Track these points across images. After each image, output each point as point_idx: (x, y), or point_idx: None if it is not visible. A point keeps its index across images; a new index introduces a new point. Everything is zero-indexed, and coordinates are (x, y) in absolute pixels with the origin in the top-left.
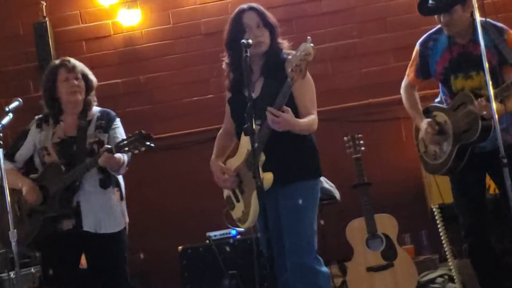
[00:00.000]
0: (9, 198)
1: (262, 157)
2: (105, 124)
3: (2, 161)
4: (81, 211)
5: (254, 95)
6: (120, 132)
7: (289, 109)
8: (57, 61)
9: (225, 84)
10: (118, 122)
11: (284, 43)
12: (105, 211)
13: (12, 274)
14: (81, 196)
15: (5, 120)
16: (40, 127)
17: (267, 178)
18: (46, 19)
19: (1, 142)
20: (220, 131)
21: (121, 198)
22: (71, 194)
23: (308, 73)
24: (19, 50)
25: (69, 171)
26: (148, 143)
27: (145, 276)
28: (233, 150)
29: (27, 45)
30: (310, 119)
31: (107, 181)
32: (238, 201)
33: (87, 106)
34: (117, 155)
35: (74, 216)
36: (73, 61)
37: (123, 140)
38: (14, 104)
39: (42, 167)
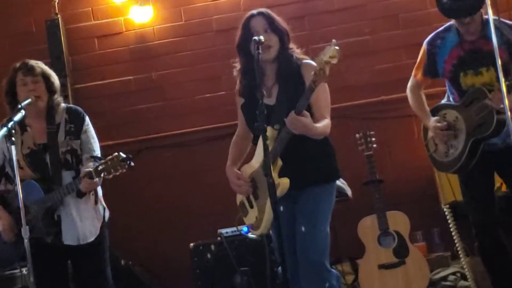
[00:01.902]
0: (20, 195)
1: (279, 162)
2: (75, 128)
3: (14, 157)
4: (61, 226)
5: (270, 102)
6: (91, 134)
7: (308, 114)
8: (17, 64)
9: (236, 90)
10: (87, 122)
11: (295, 49)
12: (83, 221)
13: (24, 270)
14: (61, 210)
15: (18, 116)
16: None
17: (283, 183)
18: (58, 16)
19: (14, 139)
20: (234, 137)
21: (96, 202)
22: (52, 212)
23: None
24: (31, 47)
25: (47, 188)
26: (128, 163)
27: (156, 273)
28: (249, 154)
29: (39, 42)
30: (325, 124)
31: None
32: (252, 207)
33: (52, 110)
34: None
35: (55, 231)
36: (31, 63)
37: (101, 164)
38: (27, 101)
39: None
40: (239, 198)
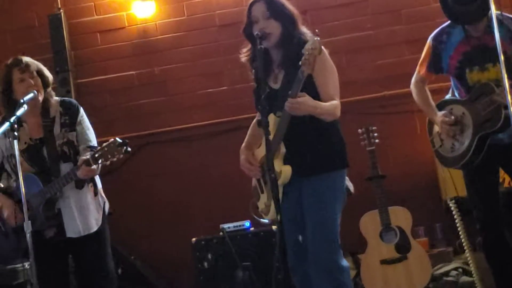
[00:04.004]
0: (23, 190)
1: (282, 149)
2: (70, 120)
3: (17, 152)
4: (62, 218)
5: (276, 86)
6: (86, 125)
7: (305, 93)
8: (9, 61)
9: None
10: (81, 113)
11: (307, 33)
12: (83, 212)
13: (26, 265)
14: (61, 203)
15: (20, 111)
16: (4, 133)
17: (285, 171)
18: (61, 10)
19: (16, 134)
20: (254, 119)
21: (95, 194)
22: (52, 204)
23: (330, 60)
24: (34, 42)
25: (46, 181)
26: (124, 149)
27: (158, 268)
28: None
29: (42, 37)
30: (333, 103)
31: (82, 181)
32: (262, 192)
33: (47, 103)
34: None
35: (56, 224)
36: (26, 59)
37: (98, 150)
38: (29, 95)
39: (15, 175)
40: (253, 182)
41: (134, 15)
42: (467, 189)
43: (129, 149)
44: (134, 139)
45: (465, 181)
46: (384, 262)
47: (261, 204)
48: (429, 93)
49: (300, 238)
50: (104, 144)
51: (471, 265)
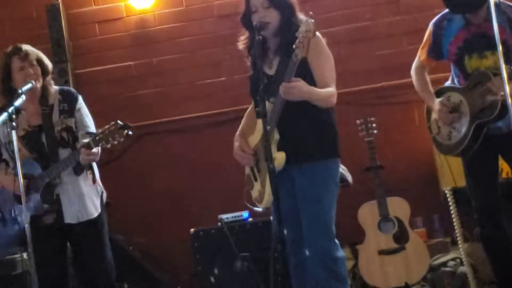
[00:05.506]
0: (21, 180)
1: (276, 136)
2: (68, 107)
3: (15, 142)
4: (61, 204)
5: (271, 72)
6: (85, 112)
7: (300, 79)
8: (8, 49)
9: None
10: (80, 101)
11: (304, 19)
12: (81, 198)
13: (25, 255)
14: (59, 189)
15: (18, 102)
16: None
17: (279, 158)
18: (59, 1)
19: (14, 124)
20: (250, 107)
21: (94, 181)
22: (52, 189)
23: (326, 46)
24: (32, 33)
25: (45, 166)
26: (126, 132)
27: (156, 258)
28: None
29: (40, 27)
30: (328, 90)
31: (80, 168)
32: (256, 180)
33: (45, 91)
34: (94, 149)
35: (55, 209)
36: (25, 47)
37: (100, 133)
38: (27, 86)
39: (13, 163)
40: (247, 170)
41: (132, 6)
42: (465, 178)
43: (130, 132)
44: (132, 129)
45: (464, 170)
46: (382, 252)
47: (254, 192)
48: (428, 80)
49: (307, 215)
50: (106, 126)
51: (463, 257)
